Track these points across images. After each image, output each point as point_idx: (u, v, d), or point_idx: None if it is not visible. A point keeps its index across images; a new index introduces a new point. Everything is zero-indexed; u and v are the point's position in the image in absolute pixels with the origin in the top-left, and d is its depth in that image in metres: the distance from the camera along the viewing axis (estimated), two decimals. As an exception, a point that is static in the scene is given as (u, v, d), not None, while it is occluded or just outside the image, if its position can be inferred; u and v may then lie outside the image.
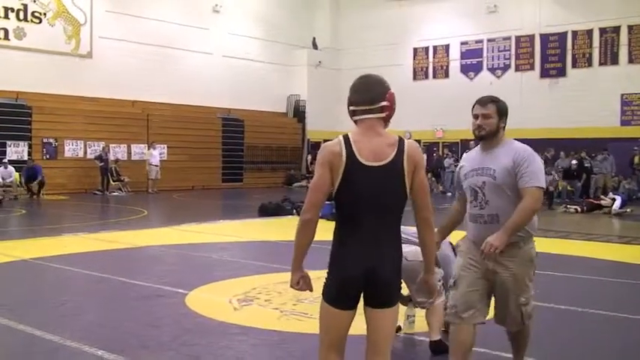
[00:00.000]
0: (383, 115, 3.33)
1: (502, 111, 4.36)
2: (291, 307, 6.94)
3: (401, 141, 3.25)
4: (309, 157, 32.79)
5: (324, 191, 3.17)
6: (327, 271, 3.31)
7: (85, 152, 25.55)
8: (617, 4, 26.87)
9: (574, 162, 24.43)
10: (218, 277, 8.90)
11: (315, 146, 33.10)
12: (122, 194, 24.83)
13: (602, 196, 19.91)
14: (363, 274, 3.16)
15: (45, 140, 24.63)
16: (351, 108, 3.36)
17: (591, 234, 14.63)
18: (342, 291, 3.22)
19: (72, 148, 25.25)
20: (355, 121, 3.37)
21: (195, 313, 6.90)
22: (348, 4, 35.60)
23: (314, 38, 35.16)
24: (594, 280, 9.20)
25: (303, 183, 32.10)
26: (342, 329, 3.30)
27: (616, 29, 27.34)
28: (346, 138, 3.22)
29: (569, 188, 24.41)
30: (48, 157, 24.53)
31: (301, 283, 3.33)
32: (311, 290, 3.37)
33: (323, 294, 3.31)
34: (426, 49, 32.59)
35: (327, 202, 3.28)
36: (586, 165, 24.65)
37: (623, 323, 6.79)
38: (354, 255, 3.19)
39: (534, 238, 4.46)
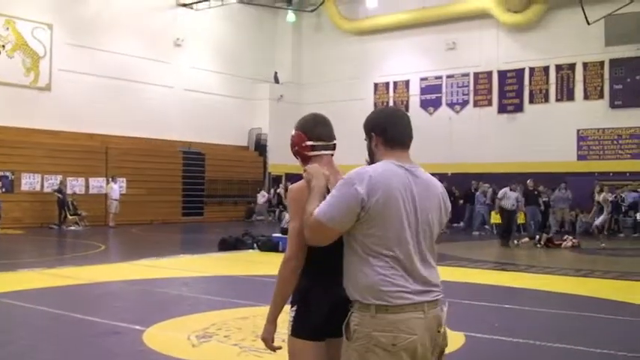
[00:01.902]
0: (333, 152, 3.40)
1: (365, 128, 3.15)
2: (251, 343, 6.86)
3: None
4: (272, 190, 32.74)
5: None
6: (294, 307, 3.20)
7: (42, 186, 25.15)
8: (573, 41, 27.51)
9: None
10: (177, 313, 8.76)
11: (276, 179, 33.11)
12: (79, 229, 24.43)
13: (561, 240, 19.99)
14: (338, 301, 3.12)
15: (1, 173, 24.20)
16: (310, 143, 3.34)
17: (549, 267, 14.80)
18: (323, 320, 3.13)
19: (29, 182, 24.84)
20: (308, 157, 3.35)
21: (153, 350, 6.77)
22: (309, 39, 35.93)
23: (275, 72, 35.33)
24: (552, 313, 9.26)
25: (264, 216, 32.03)
26: None
27: (571, 66, 27.96)
28: None
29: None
30: (4, 190, 24.07)
31: (273, 339, 3.21)
32: (274, 351, 3.27)
33: (298, 331, 3.16)
34: (387, 84, 32.95)
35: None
36: (544, 199, 24.99)
37: (581, 356, 6.85)
38: (329, 285, 3.13)
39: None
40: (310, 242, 2.99)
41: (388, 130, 3.06)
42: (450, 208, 3.15)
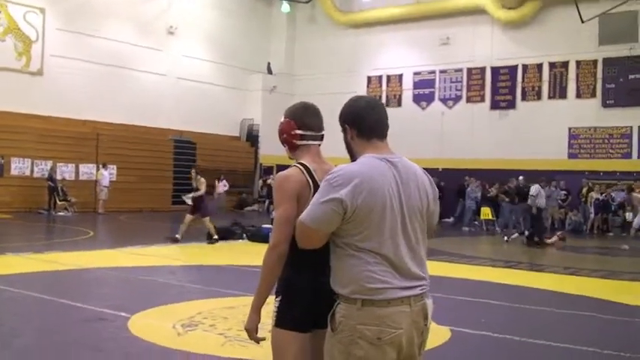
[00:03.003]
0: (321, 142, 3.39)
1: (340, 121, 3.09)
2: (236, 333, 6.83)
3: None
4: (261, 181, 32.70)
5: (294, 222, 3.06)
6: (279, 298, 3.18)
7: (32, 171, 25.03)
8: (566, 39, 27.55)
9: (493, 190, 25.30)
10: (163, 301, 8.74)
11: (267, 170, 33.05)
12: (68, 214, 24.34)
13: (547, 238, 19.83)
14: (323, 292, 3.09)
15: (-9, 157, 24.10)
16: (299, 132, 3.32)
17: (538, 264, 14.84)
18: (307, 311, 3.12)
19: (19, 166, 24.71)
20: (296, 146, 3.34)
21: (137, 337, 6.75)
22: (303, 30, 35.85)
23: (269, 63, 35.26)
24: (539, 310, 9.28)
25: (255, 207, 32.00)
26: (307, 356, 3.18)
27: (565, 64, 28.00)
28: (306, 167, 3.21)
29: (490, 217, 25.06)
30: (-7, 174, 23.99)
31: (257, 329, 3.19)
32: (258, 342, 3.25)
33: (281, 322, 3.15)
34: (380, 77, 32.93)
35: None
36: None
37: (566, 353, 6.86)
38: (314, 275, 3.12)
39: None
40: (301, 245, 2.97)
41: (363, 121, 3.00)
42: (437, 193, 3.09)
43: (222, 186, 29.72)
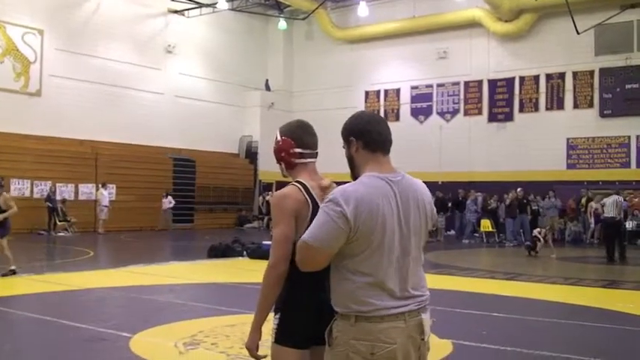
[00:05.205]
0: (316, 160, 3.41)
1: (344, 134, 3.09)
2: (238, 351, 6.82)
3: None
4: (261, 198, 32.72)
5: (293, 241, 3.07)
6: (278, 315, 3.18)
7: (32, 191, 25.04)
8: (563, 51, 27.66)
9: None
10: (164, 320, 8.72)
11: (266, 187, 33.07)
12: (68, 234, 24.33)
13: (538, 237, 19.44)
14: (322, 308, 3.10)
15: (-10, 179, 24.06)
16: (298, 150, 3.34)
17: (538, 275, 14.82)
18: (306, 328, 3.12)
19: (18, 187, 24.69)
20: (294, 164, 3.35)
21: (139, 357, 6.72)
22: (301, 47, 36.00)
23: (267, 80, 35.37)
24: (540, 321, 9.25)
25: (255, 224, 31.99)
26: None
27: (561, 75, 28.08)
28: (304, 185, 3.22)
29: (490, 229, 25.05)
30: (-8, 196, 23.93)
31: (257, 347, 3.18)
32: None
33: (281, 339, 3.15)
34: (378, 92, 33.02)
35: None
36: (534, 207, 25.09)
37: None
38: (313, 291, 3.12)
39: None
40: (304, 268, 2.95)
41: (368, 134, 2.98)
42: (435, 214, 3.10)
43: (167, 202, 29.27)
